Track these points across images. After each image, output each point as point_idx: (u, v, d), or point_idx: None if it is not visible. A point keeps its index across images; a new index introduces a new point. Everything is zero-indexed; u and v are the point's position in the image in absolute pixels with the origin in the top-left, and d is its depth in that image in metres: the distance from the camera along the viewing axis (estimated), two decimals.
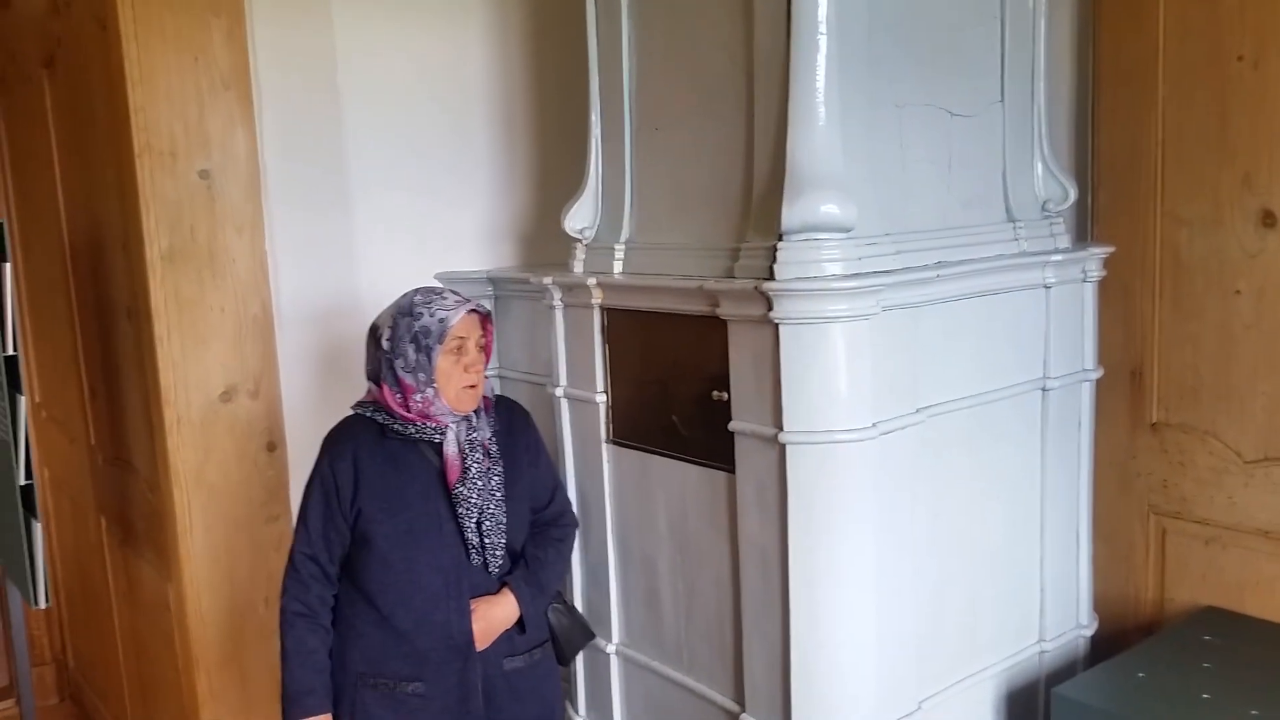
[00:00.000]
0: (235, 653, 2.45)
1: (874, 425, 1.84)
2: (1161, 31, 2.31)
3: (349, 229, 2.61)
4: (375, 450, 1.98)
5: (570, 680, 2.50)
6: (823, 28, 1.81)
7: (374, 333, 2.02)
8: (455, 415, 1.99)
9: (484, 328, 2.03)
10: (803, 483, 1.83)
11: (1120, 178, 2.42)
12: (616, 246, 2.25)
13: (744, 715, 2.02)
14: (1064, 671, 2.29)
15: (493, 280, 2.64)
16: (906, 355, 1.90)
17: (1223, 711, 1.90)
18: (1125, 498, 2.47)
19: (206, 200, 2.33)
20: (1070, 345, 2.26)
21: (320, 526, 1.98)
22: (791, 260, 1.80)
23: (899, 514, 1.92)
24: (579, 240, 2.34)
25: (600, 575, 2.39)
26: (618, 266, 2.25)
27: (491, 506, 1.98)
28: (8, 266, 2.35)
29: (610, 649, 2.39)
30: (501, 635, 2.01)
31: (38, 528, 2.36)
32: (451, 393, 1.96)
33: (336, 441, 2.01)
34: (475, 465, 1.98)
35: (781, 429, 1.83)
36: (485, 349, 2.03)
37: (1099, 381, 2.34)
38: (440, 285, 2.10)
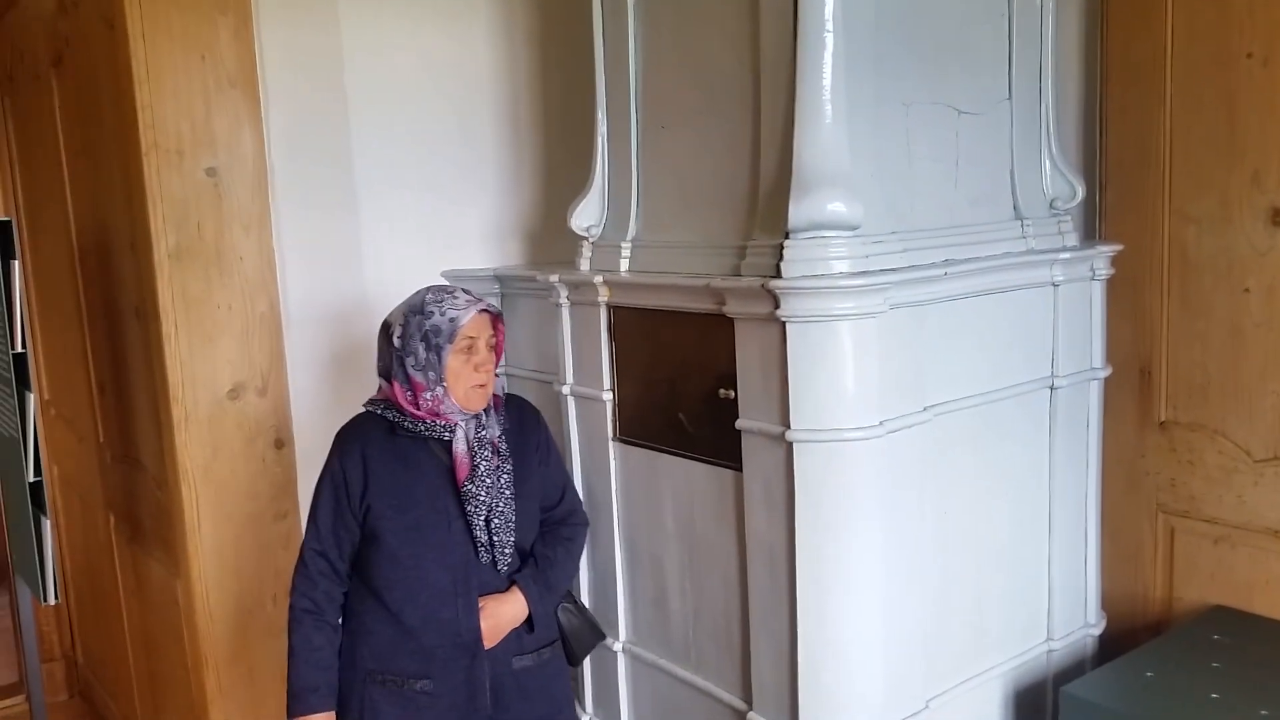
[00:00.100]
0: (244, 649, 2.46)
1: (881, 423, 1.84)
2: (1170, 29, 2.30)
3: (356, 227, 2.62)
4: (385, 447, 1.99)
5: (578, 679, 2.50)
6: (829, 25, 1.80)
7: (386, 330, 2.02)
8: (465, 413, 1.99)
9: (495, 327, 2.03)
10: (810, 481, 1.83)
11: (1129, 175, 2.41)
12: (623, 244, 2.25)
13: (751, 714, 2.02)
14: (1072, 670, 2.29)
15: (499, 278, 2.64)
16: (913, 353, 1.90)
17: (1232, 711, 1.89)
18: (1133, 496, 2.46)
19: (214, 198, 2.34)
20: (1078, 343, 2.25)
21: (330, 523, 1.99)
22: (798, 258, 1.79)
23: (906, 512, 1.92)
24: (585, 238, 2.34)
25: (607, 573, 2.39)
26: (624, 264, 2.24)
27: (500, 504, 1.98)
28: (16, 264, 2.37)
29: (617, 647, 2.39)
30: (510, 634, 2.02)
31: (47, 525, 2.38)
32: (461, 391, 1.96)
33: (346, 439, 2.02)
34: (484, 463, 1.98)
35: (789, 427, 1.83)
36: (496, 349, 2.03)
37: (1107, 380, 2.33)
38: (451, 284, 2.10)
